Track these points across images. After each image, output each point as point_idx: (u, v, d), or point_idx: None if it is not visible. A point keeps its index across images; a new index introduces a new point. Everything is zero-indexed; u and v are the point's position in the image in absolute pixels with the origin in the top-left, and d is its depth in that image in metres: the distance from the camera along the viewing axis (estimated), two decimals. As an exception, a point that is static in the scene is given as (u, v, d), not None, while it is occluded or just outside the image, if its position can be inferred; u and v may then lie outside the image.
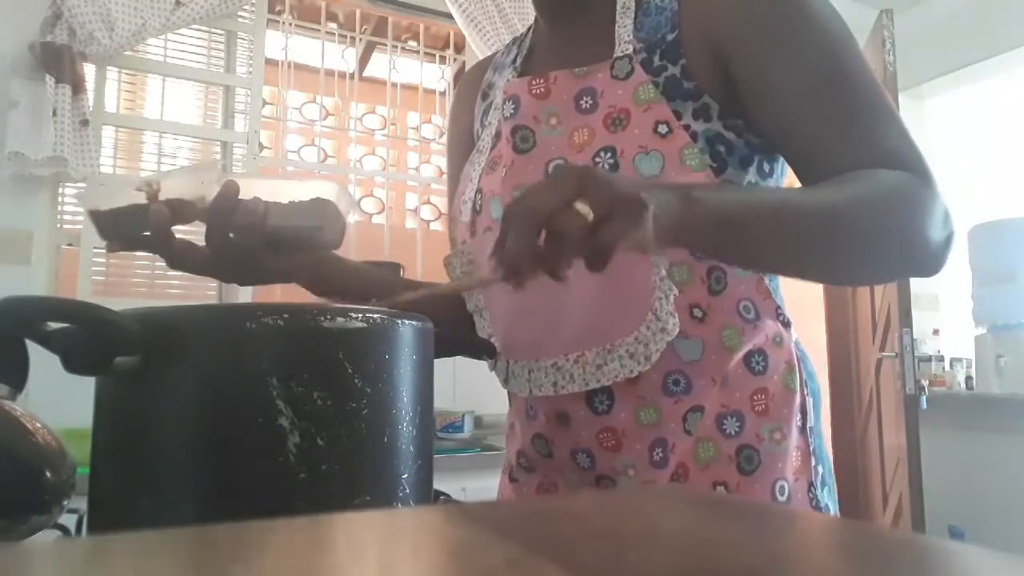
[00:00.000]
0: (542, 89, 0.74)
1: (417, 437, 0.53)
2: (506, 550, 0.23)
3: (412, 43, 3.13)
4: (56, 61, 2.03)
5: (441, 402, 0.66)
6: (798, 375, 0.74)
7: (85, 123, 2.07)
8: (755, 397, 0.71)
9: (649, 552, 0.24)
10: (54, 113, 2.00)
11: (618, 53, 0.72)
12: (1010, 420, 3.11)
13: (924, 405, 2.70)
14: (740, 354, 0.71)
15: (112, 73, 2.35)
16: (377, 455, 0.51)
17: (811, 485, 0.74)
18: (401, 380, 0.52)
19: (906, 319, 2.70)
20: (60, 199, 2.20)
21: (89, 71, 2.20)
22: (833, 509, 0.77)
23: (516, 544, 0.23)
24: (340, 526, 0.28)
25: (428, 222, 3.48)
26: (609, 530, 0.27)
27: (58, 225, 2.20)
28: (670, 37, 0.71)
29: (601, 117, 0.70)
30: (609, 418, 0.70)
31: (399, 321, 0.53)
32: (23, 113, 2.00)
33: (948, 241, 0.64)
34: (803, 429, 0.73)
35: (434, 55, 3.05)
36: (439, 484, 0.61)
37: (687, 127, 0.68)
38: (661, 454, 0.70)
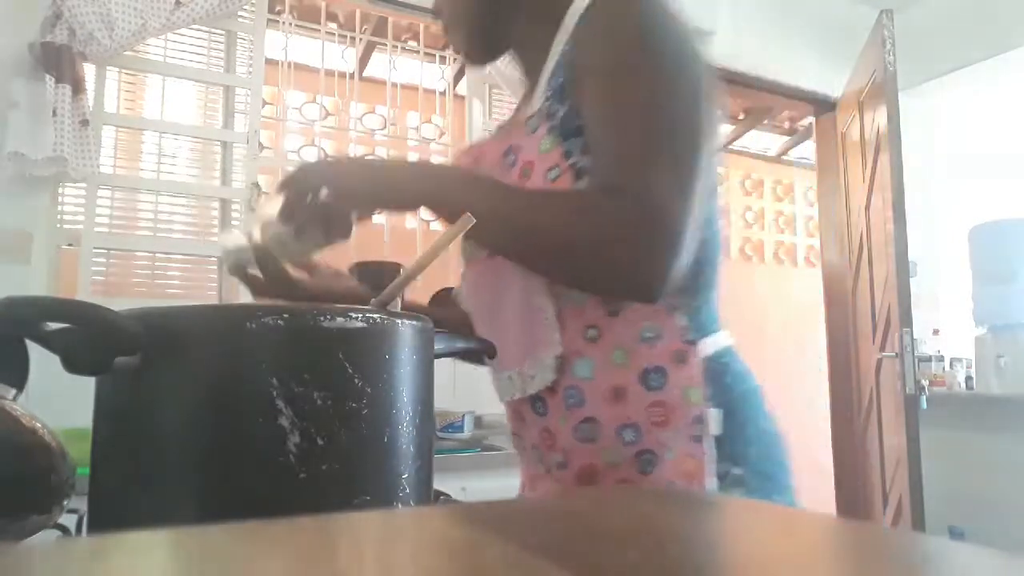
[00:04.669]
0: (475, 154, 0.87)
1: (417, 437, 0.53)
2: (506, 550, 0.23)
3: (412, 43, 3.13)
4: (56, 61, 2.03)
5: (441, 402, 0.66)
6: (701, 390, 0.74)
7: (85, 123, 2.07)
8: (652, 409, 0.74)
9: (649, 551, 0.24)
10: (54, 113, 2.00)
11: (531, 110, 0.78)
12: (1010, 420, 3.11)
13: (924, 405, 2.70)
14: (633, 373, 0.74)
15: (112, 73, 2.35)
16: (377, 455, 0.50)
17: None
18: (401, 380, 0.52)
19: (906, 319, 2.70)
20: (60, 199, 2.20)
21: (89, 71, 2.19)
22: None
23: (516, 544, 0.23)
24: (340, 526, 0.28)
25: (428, 222, 3.47)
26: (609, 530, 0.27)
27: (58, 225, 2.20)
28: (561, 79, 0.76)
29: (517, 171, 0.77)
30: (546, 419, 0.79)
31: (399, 321, 0.53)
32: (23, 113, 2.00)
33: (655, 269, 0.66)
34: (699, 439, 0.73)
35: (434, 55, 3.05)
36: (439, 484, 0.61)
37: (573, 165, 0.73)
38: (566, 456, 0.78)
